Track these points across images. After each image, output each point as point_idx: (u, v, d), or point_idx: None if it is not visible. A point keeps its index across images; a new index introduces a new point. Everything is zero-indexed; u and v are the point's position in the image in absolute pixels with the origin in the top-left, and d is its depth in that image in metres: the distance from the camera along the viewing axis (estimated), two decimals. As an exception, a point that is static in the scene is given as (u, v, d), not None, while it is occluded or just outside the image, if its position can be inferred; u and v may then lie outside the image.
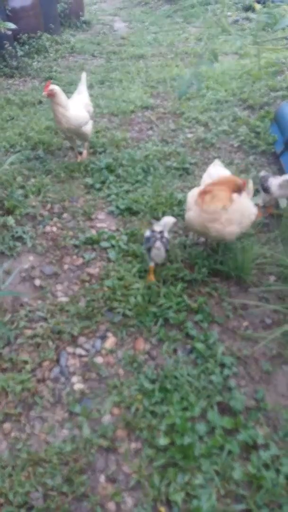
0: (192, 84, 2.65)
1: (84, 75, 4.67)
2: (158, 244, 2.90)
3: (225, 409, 2.40)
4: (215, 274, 3.25)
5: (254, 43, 2.63)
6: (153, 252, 2.96)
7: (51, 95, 3.97)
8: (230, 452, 2.19)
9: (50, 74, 7.44)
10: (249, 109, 5.89)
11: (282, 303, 2.99)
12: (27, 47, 8.24)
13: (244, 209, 2.94)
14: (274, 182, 3.59)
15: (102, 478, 2.14)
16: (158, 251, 2.93)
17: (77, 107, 4.30)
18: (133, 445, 2.26)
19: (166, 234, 3.04)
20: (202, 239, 3.64)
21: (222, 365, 2.60)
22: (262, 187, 3.70)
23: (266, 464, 2.14)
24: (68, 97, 4.49)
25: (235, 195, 2.83)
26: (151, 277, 3.10)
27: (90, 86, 6.72)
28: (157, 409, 2.35)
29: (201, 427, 2.27)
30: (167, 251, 3.02)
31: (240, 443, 2.22)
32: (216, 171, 3.09)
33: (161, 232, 2.99)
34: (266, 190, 3.65)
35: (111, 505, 2.04)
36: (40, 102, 6.27)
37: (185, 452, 2.16)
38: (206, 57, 3.02)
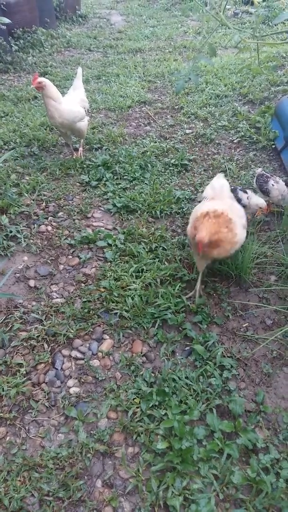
0: (189, 79, 2.58)
1: (80, 70, 4.59)
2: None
3: (224, 412, 2.36)
4: (214, 274, 3.20)
5: (253, 37, 2.56)
6: None
7: (40, 88, 3.88)
8: (229, 456, 2.15)
9: (46, 69, 7.34)
10: (249, 104, 5.82)
11: (283, 304, 2.94)
12: (21, 41, 8.14)
13: (237, 209, 2.91)
14: (276, 187, 3.52)
15: (98, 483, 2.10)
16: None
17: (71, 102, 4.22)
18: (130, 450, 2.21)
19: None
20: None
21: (222, 367, 2.55)
22: (260, 188, 3.63)
23: (266, 468, 2.10)
24: (64, 93, 4.42)
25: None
26: None
27: (86, 81, 6.66)
28: (155, 412, 2.30)
29: (200, 431, 2.23)
30: None
31: (239, 447, 2.18)
32: (220, 184, 3.01)
33: None
34: (265, 193, 3.58)
35: (108, 510, 2.00)
36: (35, 97, 6.18)
37: (184, 456, 2.12)
38: (205, 51, 2.95)
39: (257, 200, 3.38)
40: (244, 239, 2.83)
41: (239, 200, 3.42)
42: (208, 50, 2.52)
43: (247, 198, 3.40)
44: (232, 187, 3.49)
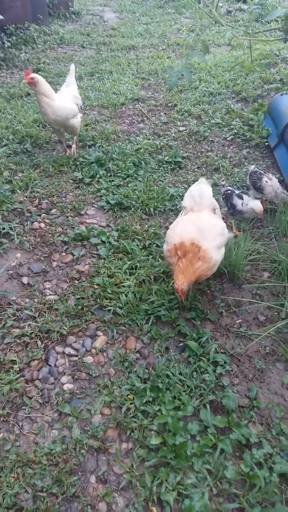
0: (182, 76, 2.58)
1: (72, 67, 4.57)
2: None
3: (218, 407, 2.37)
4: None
5: (245, 34, 2.56)
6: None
7: (32, 84, 3.86)
8: (222, 451, 2.16)
9: (38, 65, 7.30)
10: (242, 101, 5.83)
11: (276, 300, 2.96)
12: (14, 38, 8.08)
13: (213, 227, 2.67)
14: (269, 183, 3.53)
15: (92, 479, 2.10)
16: None
17: (64, 99, 4.20)
18: (124, 445, 2.22)
19: None
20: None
21: (215, 363, 2.56)
22: (253, 185, 3.65)
23: (259, 462, 2.11)
24: (57, 90, 4.39)
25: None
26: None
27: (79, 78, 6.63)
28: (148, 408, 2.31)
29: (194, 426, 2.23)
30: None
31: (233, 442, 2.19)
32: (199, 192, 2.76)
33: None
34: (259, 190, 3.60)
35: (102, 506, 2.00)
36: (28, 94, 6.14)
37: (177, 451, 2.13)
38: (198, 48, 2.95)
39: (255, 205, 3.34)
40: (222, 256, 2.70)
41: (233, 206, 3.42)
42: (201, 46, 2.52)
43: (242, 205, 3.38)
44: (229, 191, 3.49)
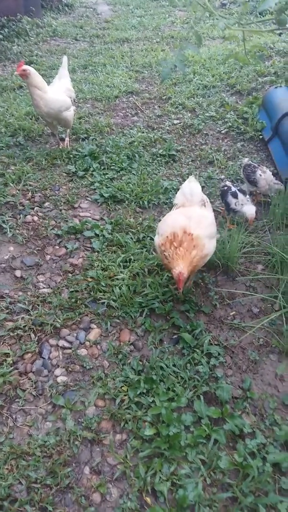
0: (175, 67, 2.55)
1: (65, 59, 4.53)
2: None
3: (211, 399, 2.38)
4: (202, 263, 3.21)
5: (238, 24, 2.55)
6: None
7: (24, 76, 3.82)
8: (216, 441, 2.17)
9: (31, 58, 7.23)
10: (236, 94, 5.82)
11: (270, 292, 2.97)
12: (6, 30, 8.00)
13: (207, 219, 2.74)
14: (263, 176, 3.53)
15: (86, 470, 2.10)
16: None
17: (57, 91, 4.16)
18: (118, 437, 2.22)
19: None
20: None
21: (209, 355, 2.57)
22: (247, 178, 3.64)
23: (252, 452, 2.13)
24: (49, 82, 4.35)
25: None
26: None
27: (72, 71, 6.58)
28: (142, 400, 2.31)
29: (187, 417, 2.24)
30: None
31: (226, 433, 2.20)
32: (190, 190, 2.84)
33: None
34: (253, 183, 3.59)
35: (96, 496, 2.01)
36: (20, 87, 6.09)
37: (171, 442, 2.13)
38: (191, 39, 2.92)
39: (248, 211, 3.32)
40: (214, 248, 2.73)
41: (227, 204, 3.40)
42: (194, 37, 2.49)
43: (236, 204, 3.34)
44: (225, 188, 3.47)
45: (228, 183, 3.53)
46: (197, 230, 2.54)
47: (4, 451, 2.12)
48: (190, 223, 2.56)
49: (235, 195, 3.36)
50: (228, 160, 4.43)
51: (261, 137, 4.71)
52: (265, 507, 1.93)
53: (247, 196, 3.39)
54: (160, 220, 3.62)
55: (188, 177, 4.12)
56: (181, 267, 2.42)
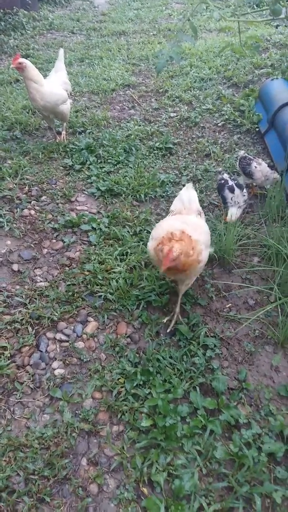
0: (171, 59, 2.54)
1: (61, 52, 4.50)
2: None
3: (207, 390, 2.40)
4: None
5: (233, 15, 2.53)
6: None
7: (20, 69, 3.80)
8: (212, 432, 2.19)
9: (28, 51, 7.17)
10: (233, 87, 5.79)
11: (265, 284, 2.98)
12: (2, 24, 7.93)
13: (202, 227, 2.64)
14: (259, 168, 3.52)
15: (84, 461, 2.12)
16: None
17: (54, 84, 4.14)
18: (115, 428, 2.24)
19: None
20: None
21: (205, 347, 2.58)
22: (242, 170, 3.63)
23: (248, 442, 2.15)
24: (46, 75, 4.32)
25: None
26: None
27: (69, 64, 6.53)
28: (139, 392, 2.33)
29: (184, 409, 2.26)
30: None
31: (222, 423, 2.22)
32: (188, 197, 2.77)
33: None
34: (248, 175, 3.58)
35: (93, 487, 2.03)
36: (17, 80, 6.05)
37: (168, 433, 2.15)
38: (186, 30, 2.91)
39: (232, 212, 3.28)
40: (207, 259, 2.56)
41: (224, 198, 3.39)
42: (190, 28, 2.48)
43: (232, 199, 3.32)
44: (222, 181, 3.45)
45: (225, 176, 3.52)
46: (195, 235, 2.43)
47: (2, 443, 2.14)
48: (188, 228, 2.44)
49: (232, 190, 3.34)
50: (225, 153, 4.42)
51: (257, 129, 4.70)
52: (260, 496, 1.96)
53: (244, 191, 3.38)
54: (158, 213, 3.64)
55: (185, 169, 4.16)
56: (175, 248, 2.22)
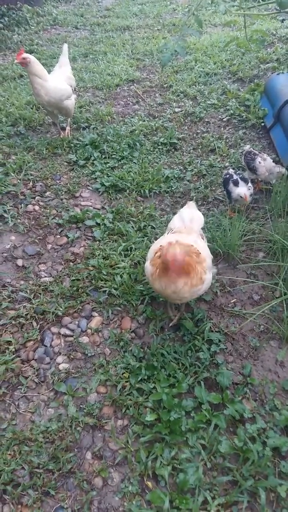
0: (176, 52, 2.52)
1: (65, 47, 4.48)
2: None
3: (212, 385, 2.39)
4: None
5: (239, 8, 2.51)
6: None
7: (24, 64, 3.78)
8: (217, 426, 2.19)
9: (31, 47, 7.16)
10: (238, 82, 5.74)
11: (270, 279, 2.96)
12: (6, 19, 7.92)
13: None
14: (263, 164, 3.49)
15: (88, 455, 2.13)
16: None
17: (58, 80, 4.12)
18: (120, 422, 2.25)
19: None
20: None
21: (210, 342, 2.58)
22: (247, 165, 3.61)
23: (252, 437, 2.14)
24: (50, 71, 4.31)
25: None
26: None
27: (73, 59, 6.51)
28: (143, 386, 2.33)
29: (188, 403, 2.26)
30: None
31: (227, 418, 2.22)
32: (190, 216, 2.57)
33: None
34: (252, 170, 3.56)
35: (97, 481, 2.04)
36: (21, 76, 6.04)
37: (172, 427, 2.15)
38: (191, 25, 2.89)
39: (240, 190, 3.25)
40: (209, 284, 2.40)
41: (229, 193, 3.36)
42: (194, 21, 2.46)
43: (236, 191, 3.28)
44: (227, 175, 3.41)
45: (231, 171, 3.49)
46: (204, 252, 2.29)
47: (7, 437, 2.15)
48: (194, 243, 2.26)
49: (236, 184, 3.32)
50: (230, 148, 4.39)
51: (263, 124, 4.66)
52: (264, 490, 1.96)
53: (249, 185, 3.36)
54: (162, 208, 3.63)
55: (190, 164, 4.13)
56: (177, 250, 2.03)
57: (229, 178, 3.38)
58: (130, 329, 2.68)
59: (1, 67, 6.42)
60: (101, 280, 2.95)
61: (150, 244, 3.18)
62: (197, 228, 2.57)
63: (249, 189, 3.33)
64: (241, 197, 3.22)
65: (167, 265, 2.08)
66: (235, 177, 3.37)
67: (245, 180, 3.35)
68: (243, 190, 3.23)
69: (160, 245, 2.26)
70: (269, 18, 7.81)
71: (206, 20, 8.42)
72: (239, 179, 3.32)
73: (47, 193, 3.76)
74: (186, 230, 2.50)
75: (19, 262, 3.09)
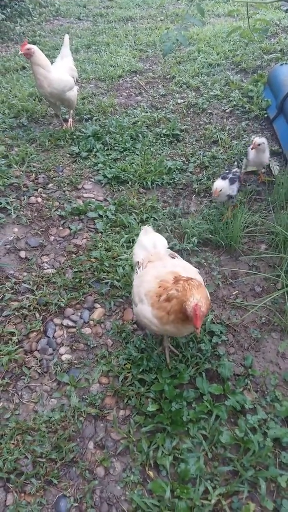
0: (177, 41, 2.50)
1: (67, 37, 4.44)
2: None
3: (213, 376, 2.40)
4: (205, 244, 3.20)
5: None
6: None
7: (28, 55, 3.77)
8: (218, 417, 2.20)
9: (34, 38, 7.11)
10: (242, 72, 5.68)
11: (272, 271, 2.96)
12: (9, 10, 7.85)
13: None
14: (250, 147, 3.46)
15: (91, 445, 2.15)
16: None
17: (61, 71, 4.10)
18: (122, 412, 2.26)
19: None
20: (193, 208, 3.58)
21: (211, 333, 2.59)
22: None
23: (253, 428, 2.16)
24: (52, 62, 4.28)
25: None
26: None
27: (76, 50, 6.47)
28: (145, 377, 2.34)
29: (190, 394, 2.27)
30: None
31: (228, 408, 2.23)
32: (151, 242, 2.36)
33: None
34: (246, 155, 3.53)
35: (100, 470, 2.06)
36: (24, 68, 6.01)
37: (173, 417, 2.17)
38: (192, 13, 2.85)
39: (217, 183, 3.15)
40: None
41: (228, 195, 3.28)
42: (196, 9, 2.43)
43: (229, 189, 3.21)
44: (227, 171, 3.35)
45: (236, 170, 3.36)
46: (199, 278, 2.13)
47: (10, 426, 2.17)
48: (184, 272, 2.08)
49: (224, 179, 3.19)
50: (233, 139, 4.36)
51: (266, 115, 4.62)
52: (265, 480, 1.97)
53: (235, 185, 3.19)
54: (165, 200, 3.61)
55: (192, 156, 4.10)
56: (197, 298, 1.82)
57: (223, 174, 3.29)
58: (132, 320, 2.69)
59: (4, 58, 6.39)
60: (103, 272, 2.95)
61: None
62: (164, 250, 2.36)
63: (232, 190, 3.18)
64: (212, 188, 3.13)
65: (189, 315, 1.86)
66: (229, 175, 3.26)
67: (232, 180, 3.21)
68: (219, 183, 3.12)
69: (161, 286, 2.03)
70: (273, 8, 7.71)
71: (209, 10, 8.32)
72: (226, 176, 3.23)
73: (50, 185, 3.76)
74: (154, 256, 2.29)
75: (22, 254, 3.09)
